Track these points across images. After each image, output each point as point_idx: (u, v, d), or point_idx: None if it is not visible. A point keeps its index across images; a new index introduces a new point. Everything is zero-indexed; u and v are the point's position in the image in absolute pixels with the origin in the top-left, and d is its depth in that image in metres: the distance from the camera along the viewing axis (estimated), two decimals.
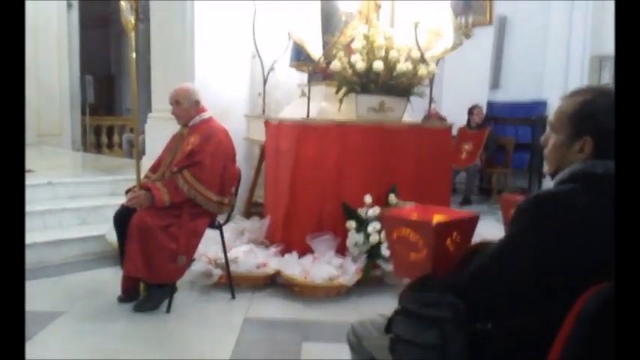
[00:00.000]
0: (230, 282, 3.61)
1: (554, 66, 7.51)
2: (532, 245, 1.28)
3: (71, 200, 4.88)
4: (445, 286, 1.41)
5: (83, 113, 9.36)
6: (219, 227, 3.55)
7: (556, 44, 7.47)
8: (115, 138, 9.88)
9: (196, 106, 3.56)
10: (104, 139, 9.77)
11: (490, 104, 8.13)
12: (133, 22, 3.28)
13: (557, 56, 7.47)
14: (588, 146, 1.38)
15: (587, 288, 1.19)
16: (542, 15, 7.56)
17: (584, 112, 1.38)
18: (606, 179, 1.30)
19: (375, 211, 3.86)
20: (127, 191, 3.51)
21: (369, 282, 3.78)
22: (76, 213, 4.71)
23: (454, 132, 6.15)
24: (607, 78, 7.12)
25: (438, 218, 1.86)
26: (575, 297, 1.20)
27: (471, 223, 1.86)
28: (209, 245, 3.77)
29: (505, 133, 7.87)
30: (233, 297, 3.58)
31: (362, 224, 3.84)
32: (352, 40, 4.19)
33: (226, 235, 3.67)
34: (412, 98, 4.26)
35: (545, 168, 1.51)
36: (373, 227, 3.78)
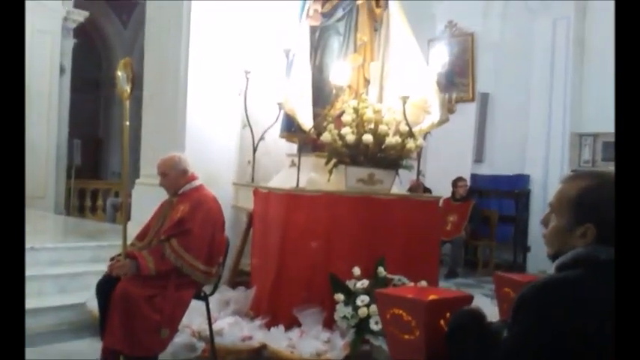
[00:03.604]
0: (214, 356, 3.48)
1: (535, 142, 7.73)
2: (544, 338, 1.26)
3: (52, 266, 4.74)
4: None
5: (68, 176, 9.32)
6: (205, 298, 3.47)
7: (536, 121, 7.72)
8: (99, 201, 9.78)
9: (184, 175, 3.54)
10: (88, 203, 9.67)
11: (474, 177, 8.26)
12: (129, 91, 3.33)
13: (538, 132, 7.70)
14: (591, 233, 1.37)
15: None
16: (523, 93, 7.86)
17: (587, 199, 1.38)
18: (610, 266, 1.30)
19: (363, 283, 3.81)
20: (112, 259, 3.44)
21: (357, 357, 3.67)
22: (56, 280, 4.58)
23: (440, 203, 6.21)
24: (587, 154, 7.32)
25: (431, 298, 1.85)
26: None
27: (465, 303, 1.85)
28: (193, 316, 3.66)
29: (489, 205, 7.97)
30: None
31: (350, 297, 3.79)
32: (342, 113, 4.29)
33: (211, 306, 3.57)
34: (400, 171, 4.32)
35: (547, 249, 1.51)
36: (362, 300, 3.72)
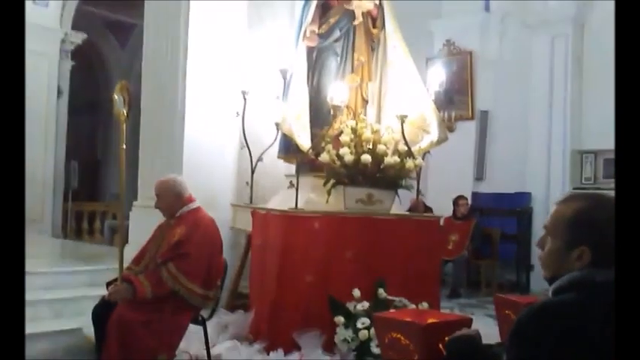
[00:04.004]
0: None
1: (536, 159, 7.69)
2: None
3: (47, 291, 4.68)
4: None
5: (65, 199, 9.27)
6: (203, 322, 3.41)
7: (536, 138, 7.70)
8: (96, 224, 9.72)
9: (181, 198, 3.51)
10: (85, 225, 9.61)
11: (475, 195, 8.21)
12: (126, 114, 3.31)
13: (538, 150, 7.67)
14: (586, 255, 1.36)
15: None
16: (523, 110, 7.84)
17: (581, 221, 1.37)
18: (606, 289, 1.29)
19: (363, 305, 3.75)
20: (108, 284, 3.39)
21: None
22: (52, 305, 4.51)
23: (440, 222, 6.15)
24: (589, 172, 7.28)
25: (429, 321, 1.81)
26: None
27: (464, 326, 1.80)
28: (191, 341, 3.59)
29: (491, 224, 7.89)
30: None
31: (351, 319, 3.72)
32: (340, 133, 4.26)
33: (209, 330, 3.51)
34: (400, 190, 4.28)
35: (543, 272, 1.48)
36: (362, 322, 3.65)
